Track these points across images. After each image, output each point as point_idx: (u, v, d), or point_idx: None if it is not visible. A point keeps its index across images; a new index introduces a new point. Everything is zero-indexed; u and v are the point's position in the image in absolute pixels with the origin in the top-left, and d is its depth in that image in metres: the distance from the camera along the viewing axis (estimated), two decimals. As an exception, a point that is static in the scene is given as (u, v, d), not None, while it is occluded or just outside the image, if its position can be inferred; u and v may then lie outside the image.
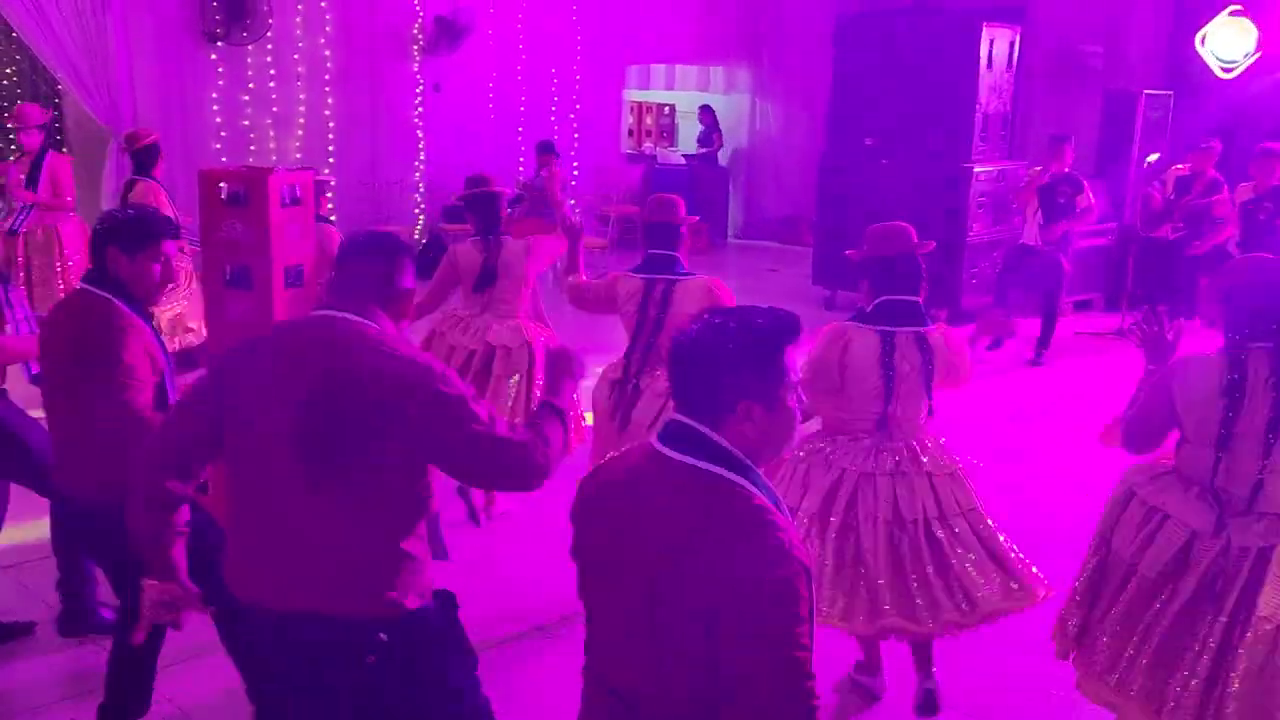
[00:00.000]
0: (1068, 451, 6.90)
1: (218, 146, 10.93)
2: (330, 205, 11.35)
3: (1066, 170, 9.26)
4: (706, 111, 15.47)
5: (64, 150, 9.36)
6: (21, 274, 8.13)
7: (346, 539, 2.59)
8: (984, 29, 10.38)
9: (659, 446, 2.10)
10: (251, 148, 11.28)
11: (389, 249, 2.81)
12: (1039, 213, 9.31)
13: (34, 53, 10.25)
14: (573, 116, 13.92)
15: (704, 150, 15.42)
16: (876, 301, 4.02)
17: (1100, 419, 3.94)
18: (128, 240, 3.56)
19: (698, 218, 5.21)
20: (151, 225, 3.71)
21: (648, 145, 16.20)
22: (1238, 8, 10.69)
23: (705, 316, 2.14)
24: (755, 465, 2.08)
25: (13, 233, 8.25)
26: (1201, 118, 11.03)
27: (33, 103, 9.40)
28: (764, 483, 2.08)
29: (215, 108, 11.03)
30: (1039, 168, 9.51)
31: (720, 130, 15.42)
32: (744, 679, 1.93)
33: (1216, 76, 10.99)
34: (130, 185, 8.01)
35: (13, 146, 11.04)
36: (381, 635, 2.59)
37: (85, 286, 3.64)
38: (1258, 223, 8.72)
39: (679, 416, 2.10)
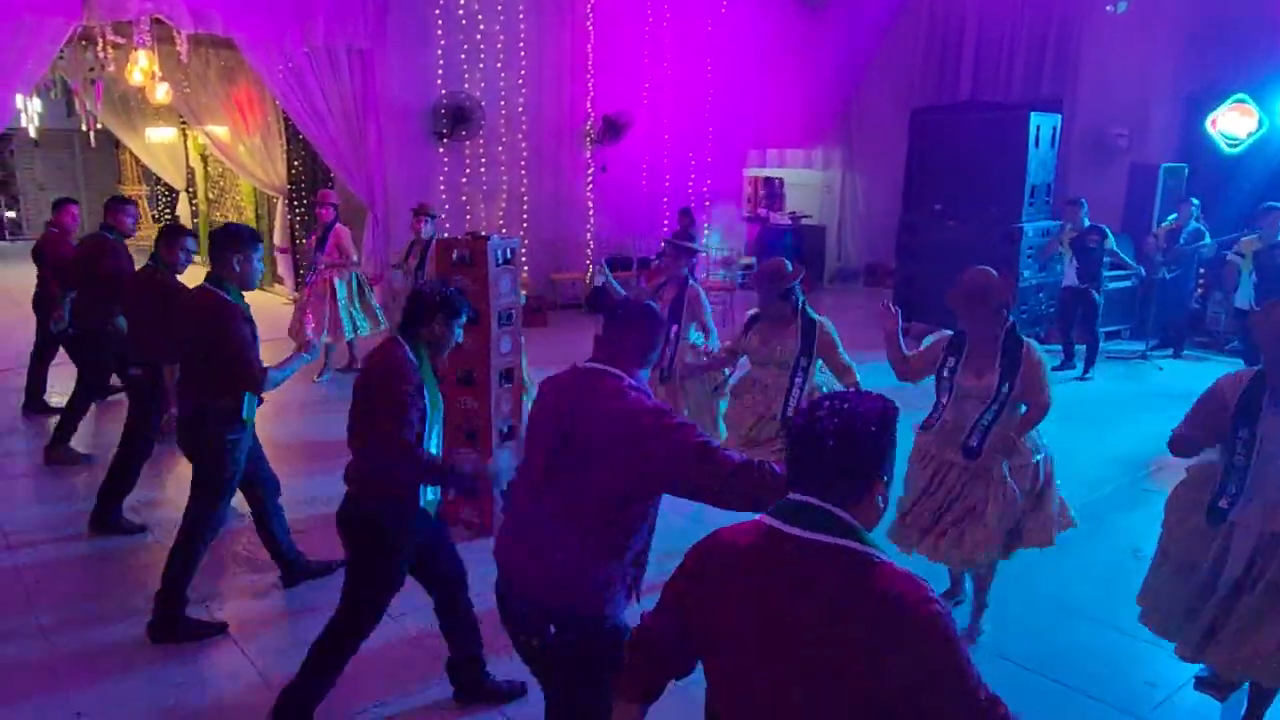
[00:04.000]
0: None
1: (443, 216, 11.18)
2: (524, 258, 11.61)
3: (1089, 223, 8.95)
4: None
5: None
6: (306, 316, 8.43)
7: (554, 537, 2.47)
8: (1032, 116, 10.05)
9: (784, 527, 1.73)
10: (467, 216, 11.55)
11: (647, 317, 2.66)
12: (1074, 260, 9.04)
13: (315, 150, 10.69)
14: (705, 189, 13.91)
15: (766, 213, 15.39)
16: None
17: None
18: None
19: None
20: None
21: (762, 210, 16.07)
22: (1242, 96, 10.11)
23: (827, 404, 1.76)
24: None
25: (308, 284, 8.50)
26: (1210, 184, 10.49)
27: (328, 189, 9.80)
28: (879, 547, 1.74)
29: (442, 187, 11.30)
30: (1068, 225, 9.19)
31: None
32: None
33: (1224, 151, 10.40)
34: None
35: (299, 218, 11.55)
36: (551, 627, 2.45)
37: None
38: (1275, 268, 8.16)
39: (806, 499, 1.74)
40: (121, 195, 6.76)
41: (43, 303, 7.19)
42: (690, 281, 5.69)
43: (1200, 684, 3.75)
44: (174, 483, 6.21)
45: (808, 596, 1.67)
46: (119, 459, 5.48)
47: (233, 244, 4.12)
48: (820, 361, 4.68)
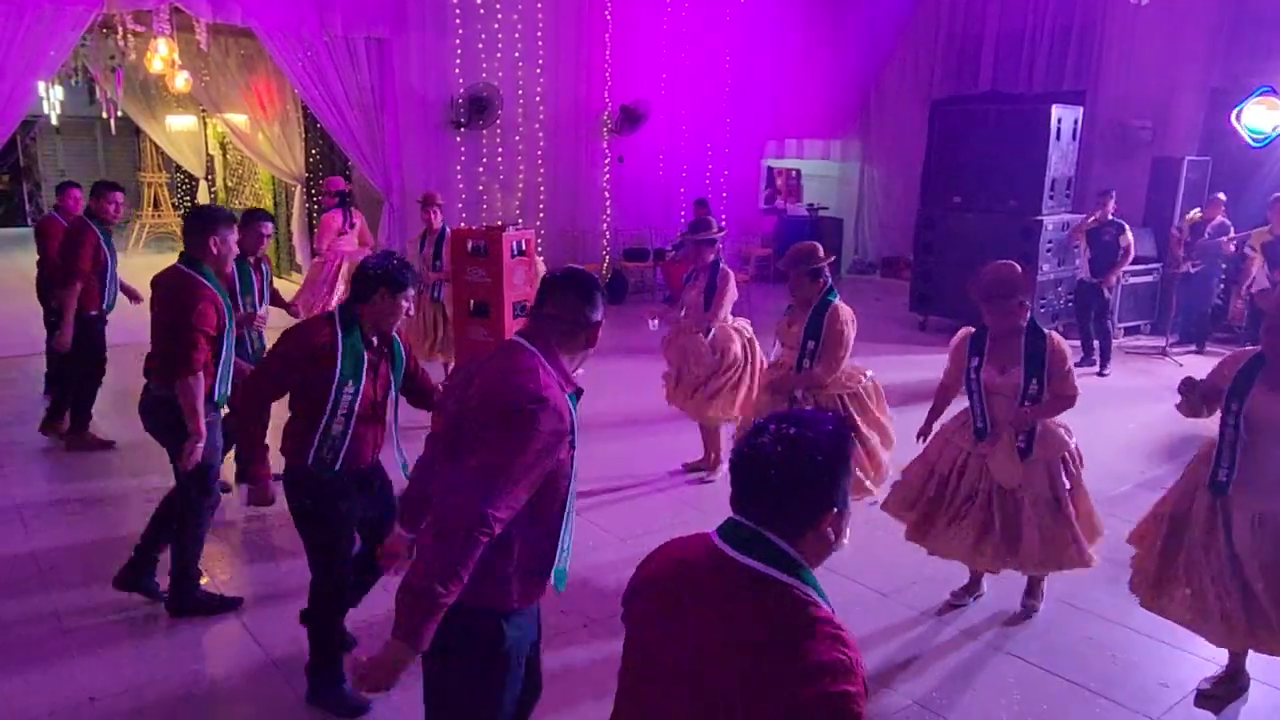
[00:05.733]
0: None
1: (459, 205, 11.19)
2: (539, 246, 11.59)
3: (1110, 217, 8.88)
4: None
5: (353, 208, 9.66)
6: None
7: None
8: (1053, 109, 9.95)
9: (723, 547, 1.60)
10: (483, 206, 11.55)
11: (577, 285, 2.40)
12: (1088, 252, 8.98)
13: (333, 139, 10.71)
14: (722, 179, 13.86)
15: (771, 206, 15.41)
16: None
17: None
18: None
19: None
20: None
21: (779, 201, 15.99)
22: (1267, 89, 9.98)
23: (773, 428, 1.59)
24: (813, 568, 1.60)
25: None
26: (1234, 178, 10.38)
27: (336, 176, 9.80)
28: (820, 588, 1.58)
29: (458, 177, 11.30)
30: (1089, 216, 9.14)
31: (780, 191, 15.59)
32: None
33: (1248, 144, 10.28)
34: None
35: (317, 206, 11.58)
36: None
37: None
38: None
39: (746, 521, 1.59)
40: (106, 181, 6.67)
41: (43, 287, 7.21)
42: (721, 264, 5.83)
43: (1200, 698, 3.73)
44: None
45: (726, 624, 1.55)
46: None
47: (210, 225, 4.13)
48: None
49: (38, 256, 7.23)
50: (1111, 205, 8.90)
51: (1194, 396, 3.56)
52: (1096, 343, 9.09)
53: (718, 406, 5.79)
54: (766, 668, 1.48)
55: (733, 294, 5.82)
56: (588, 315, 2.38)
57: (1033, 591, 4.38)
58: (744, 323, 6.03)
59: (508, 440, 2.13)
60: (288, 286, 12.39)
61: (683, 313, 5.97)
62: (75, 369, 6.56)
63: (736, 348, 5.77)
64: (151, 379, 4.18)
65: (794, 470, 1.55)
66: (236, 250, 4.36)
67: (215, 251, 4.12)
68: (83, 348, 6.42)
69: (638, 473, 6.14)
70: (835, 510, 1.58)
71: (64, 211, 7.18)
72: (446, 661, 2.29)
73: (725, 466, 6.06)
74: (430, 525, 2.18)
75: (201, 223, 4.14)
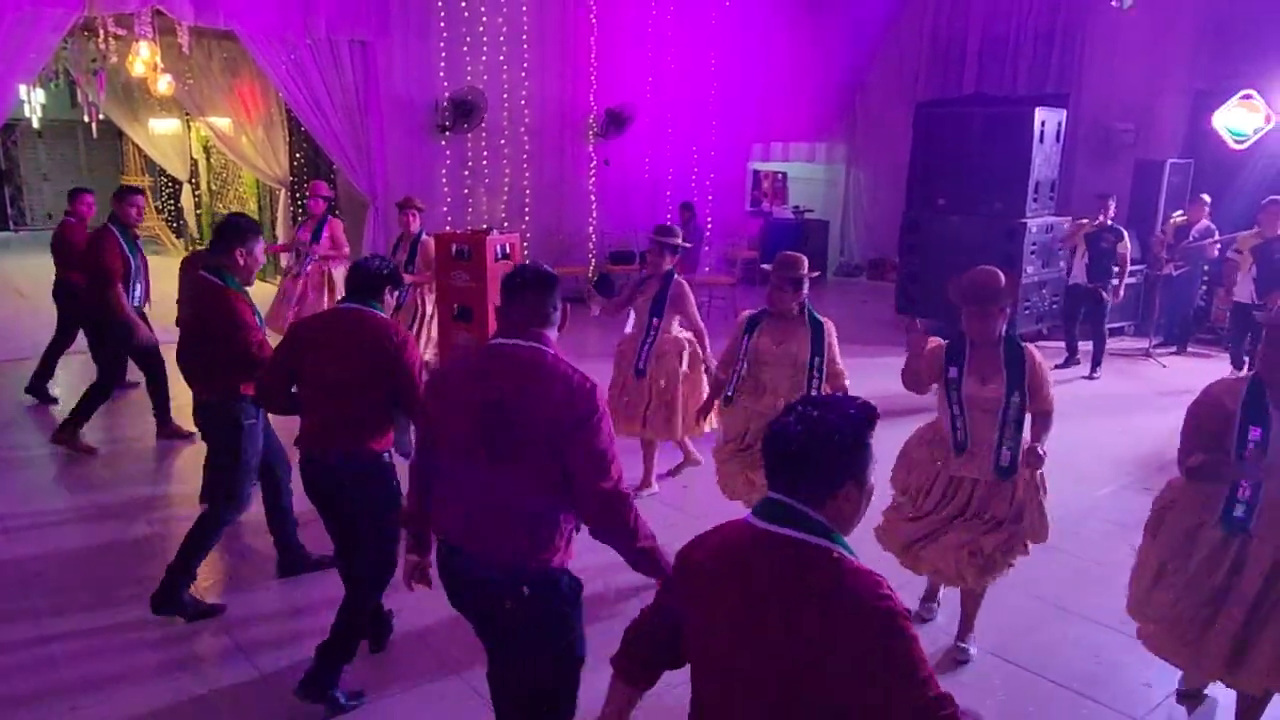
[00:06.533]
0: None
1: (444, 209, 11.17)
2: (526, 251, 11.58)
3: (1110, 222, 8.92)
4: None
5: (337, 213, 9.63)
6: (296, 308, 8.36)
7: (507, 504, 2.52)
8: (1037, 112, 9.99)
9: (757, 523, 1.81)
10: (469, 210, 11.52)
11: (544, 280, 2.63)
12: (1086, 256, 9.00)
13: (317, 143, 10.67)
14: (708, 182, 13.87)
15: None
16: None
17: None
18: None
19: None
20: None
21: (765, 204, 16.03)
22: (1249, 92, 10.06)
23: (799, 409, 1.81)
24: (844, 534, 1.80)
25: (297, 275, 8.52)
26: (1216, 180, 10.46)
27: (320, 180, 9.76)
28: (851, 549, 1.79)
29: (444, 180, 11.27)
30: (1085, 219, 9.17)
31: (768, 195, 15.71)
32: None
33: (1230, 147, 10.35)
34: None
35: (301, 210, 11.53)
36: (524, 588, 2.50)
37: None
38: (1273, 263, 8.11)
39: (778, 496, 1.80)
40: (127, 185, 6.86)
41: (62, 293, 7.34)
42: (675, 276, 5.58)
43: (1182, 697, 3.75)
44: (183, 478, 6.23)
45: (770, 588, 1.74)
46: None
47: (238, 236, 4.17)
48: None
49: (55, 262, 7.29)
50: (1111, 209, 8.96)
51: (1209, 468, 3.17)
52: (1086, 345, 9.13)
53: (655, 427, 5.63)
54: (816, 615, 1.67)
55: (693, 306, 5.60)
56: (557, 302, 2.65)
57: (963, 635, 4.19)
58: (687, 335, 5.74)
59: (592, 430, 2.47)
60: (271, 291, 12.34)
61: (629, 327, 5.76)
62: (108, 368, 6.60)
63: (679, 366, 5.57)
64: (194, 385, 4.34)
65: (810, 447, 1.76)
66: (263, 261, 4.41)
67: (241, 263, 4.17)
68: (109, 351, 6.52)
69: (628, 476, 6.12)
70: (848, 487, 1.78)
71: (78, 216, 7.31)
72: (534, 632, 2.55)
73: (655, 487, 5.90)
74: (600, 529, 2.57)
75: (230, 234, 4.18)
